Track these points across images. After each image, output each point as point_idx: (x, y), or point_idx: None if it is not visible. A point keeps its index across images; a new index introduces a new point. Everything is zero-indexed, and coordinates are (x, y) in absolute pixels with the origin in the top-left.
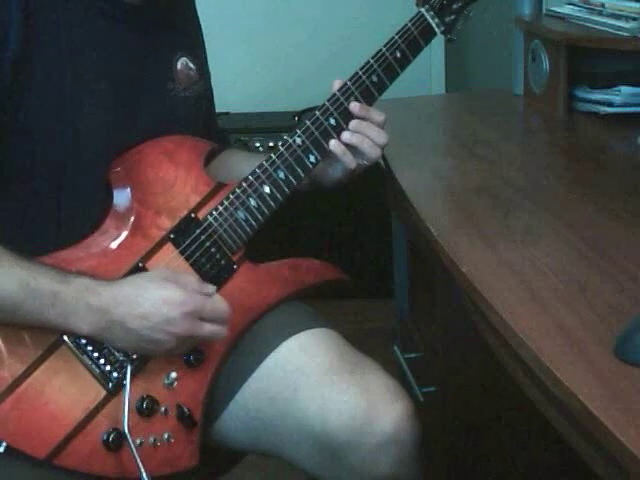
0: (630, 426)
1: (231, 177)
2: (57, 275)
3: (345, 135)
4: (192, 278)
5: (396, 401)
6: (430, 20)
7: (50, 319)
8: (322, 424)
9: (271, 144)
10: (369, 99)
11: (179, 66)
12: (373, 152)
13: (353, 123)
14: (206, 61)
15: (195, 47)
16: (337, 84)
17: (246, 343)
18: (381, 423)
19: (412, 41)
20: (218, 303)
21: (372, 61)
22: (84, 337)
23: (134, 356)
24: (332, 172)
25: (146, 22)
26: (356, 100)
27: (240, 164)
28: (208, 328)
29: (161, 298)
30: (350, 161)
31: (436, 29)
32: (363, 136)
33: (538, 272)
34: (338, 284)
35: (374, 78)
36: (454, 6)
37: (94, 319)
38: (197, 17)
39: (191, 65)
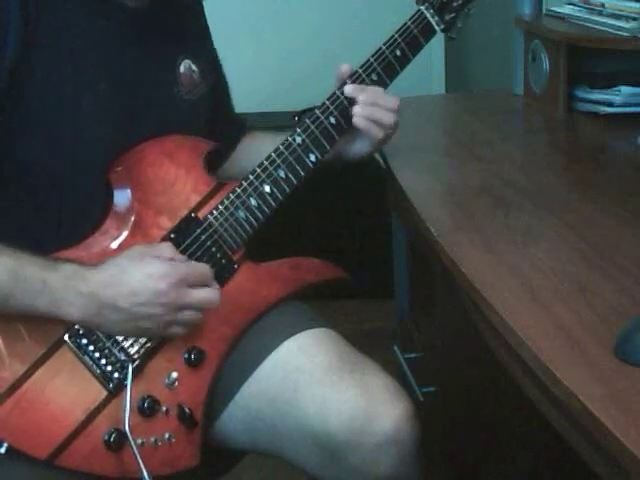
0: (630, 426)
1: (260, 158)
2: (44, 262)
3: (357, 110)
4: (165, 247)
5: (396, 401)
6: (430, 18)
7: (41, 307)
8: (322, 424)
9: None
10: None
11: (182, 69)
12: (386, 117)
13: (357, 106)
14: (215, 52)
15: (199, 49)
16: (345, 68)
17: (246, 343)
18: (381, 423)
19: (412, 39)
20: (198, 266)
21: (372, 59)
22: (84, 333)
23: (135, 356)
24: (360, 147)
25: (149, 25)
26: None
27: (267, 146)
28: (198, 293)
29: (145, 273)
30: (377, 131)
31: (436, 27)
32: (375, 107)
33: (538, 272)
34: (338, 283)
35: (374, 76)
36: (454, 4)
37: (84, 305)
38: (204, 15)
39: (194, 68)
